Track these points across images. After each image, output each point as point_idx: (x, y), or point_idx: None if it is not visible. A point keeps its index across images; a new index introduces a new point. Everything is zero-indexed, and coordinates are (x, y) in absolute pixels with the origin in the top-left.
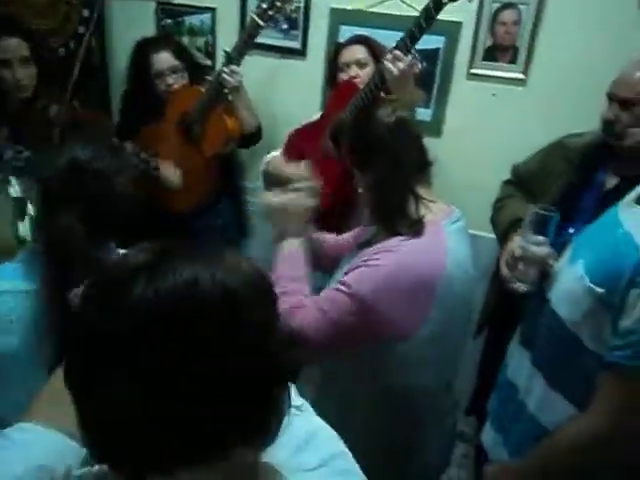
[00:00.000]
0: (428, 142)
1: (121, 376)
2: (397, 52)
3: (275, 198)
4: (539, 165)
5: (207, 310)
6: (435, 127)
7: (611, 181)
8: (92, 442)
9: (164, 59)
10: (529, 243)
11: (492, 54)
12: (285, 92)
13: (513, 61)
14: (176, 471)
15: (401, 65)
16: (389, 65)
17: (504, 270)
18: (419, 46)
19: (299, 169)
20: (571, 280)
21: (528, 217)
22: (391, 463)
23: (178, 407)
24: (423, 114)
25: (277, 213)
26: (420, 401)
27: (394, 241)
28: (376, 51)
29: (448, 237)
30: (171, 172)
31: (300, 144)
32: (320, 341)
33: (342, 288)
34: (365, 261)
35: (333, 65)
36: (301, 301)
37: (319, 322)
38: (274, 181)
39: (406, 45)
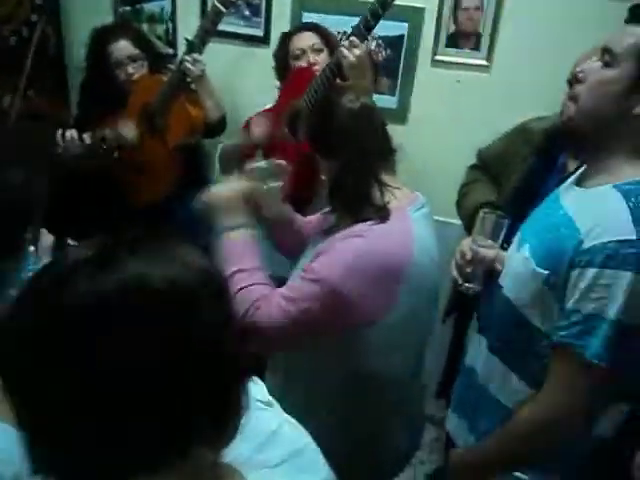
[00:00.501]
0: (394, 129)
1: (61, 378)
2: (354, 38)
3: (216, 191)
4: (503, 149)
5: (154, 308)
6: (401, 114)
7: (572, 164)
8: (35, 454)
9: (123, 48)
10: (479, 246)
11: (456, 40)
12: (249, 80)
13: (476, 47)
14: (135, 476)
15: (357, 51)
16: (345, 52)
17: (454, 272)
18: (382, 33)
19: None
20: (518, 264)
21: (479, 221)
22: (359, 449)
23: (125, 411)
24: (388, 101)
25: (222, 205)
26: (387, 387)
27: (360, 227)
28: (327, 38)
29: (414, 223)
30: (122, 128)
31: None
32: (289, 331)
33: (308, 275)
34: (330, 247)
35: (283, 54)
36: (265, 292)
37: (287, 312)
38: (229, 167)
39: (361, 32)
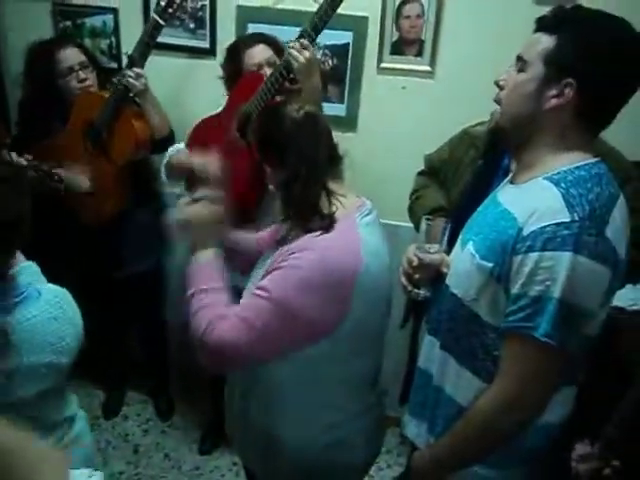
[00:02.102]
0: (344, 137)
1: None
2: (304, 41)
3: (179, 213)
4: (449, 154)
5: None
6: (350, 122)
7: (515, 166)
8: None
9: (73, 54)
10: (424, 252)
11: (400, 48)
12: (196, 92)
13: (420, 54)
14: None
15: (307, 54)
16: (295, 53)
17: (402, 279)
18: (328, 42)
19: (204, 161)
20: (464, 261)
21: (423, 227)
22: (318, 462)
23: None
24: (337, 109)
25: (184, 227)
26: (347, 397)
27: (307, 239)
28: (279, 49)
29: (361, 230)
30: (76, 175)
31: (204, 136)
32: (246, 350)
33: (261, 293)
34: (280, 263)
35: (235, 67)
36: (222, 312)
37: (242, 331)
38: (176, 174)
39: (310, 35)
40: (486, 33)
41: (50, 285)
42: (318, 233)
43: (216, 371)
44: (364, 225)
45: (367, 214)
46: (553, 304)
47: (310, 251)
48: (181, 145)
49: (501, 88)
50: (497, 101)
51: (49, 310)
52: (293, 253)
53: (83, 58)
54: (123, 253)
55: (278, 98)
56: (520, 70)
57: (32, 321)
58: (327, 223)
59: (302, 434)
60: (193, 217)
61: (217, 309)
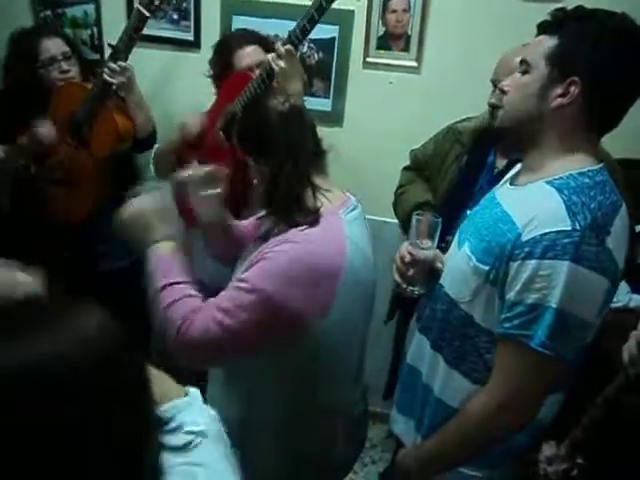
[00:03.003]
0: (330, 133)
1: None
2: (280, 48)
3: (133, 206)
4: (434, 150)
5: (53, 396)
6: (336, 117)
7: (501, 162)
8: None
9: (56, 44)
10: (416, 248)
11: (386, 42)
12: (180, 86)
13: (406, 49)
14: None
15: (282, 63)
16: (272, 63)
17: (395, 276)
18: (315, 36)
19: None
20: (460, 262)
21: (413, 224)
22: (299, 458)
23: None
24: (323, 104)
25: (141, 220)
26: (328, 393)
27: (292, 232)
28: (269, 48)
29: (346, 225)
30: (44, 127)
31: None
32: (226, 343)
33: (243, 285)
34: (264, 255)
35: (224, 66)
36: (197, 305)
37: (223, 324)
38: (163, 169)
39: (297, 37)
40: (473, 28)
41: None
42: (303, 227)
43: (196, 367)
44: (349, 221)
45: (352, 209)
46: (550, 313)
47: (293, 244)
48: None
49: (505, 93)
50: (497, 106)
51: None
52: (276, 245)
53: (66, 49)
54: (103, 248)
55: None
56: (524, 72)
57: None
58: (312, 218)
59: (285, 431)
60: (135, 209)
61: (191, 303)
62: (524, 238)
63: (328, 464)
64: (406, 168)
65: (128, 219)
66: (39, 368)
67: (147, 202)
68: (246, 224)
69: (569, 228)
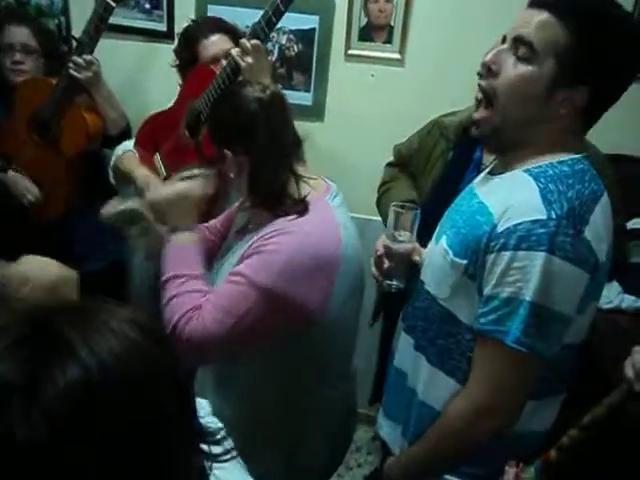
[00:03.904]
0: (310, 127)
1: None
2: (246, 43)
3: (165, 190)
4: (419, 145)
5: (106, 406)
6: (317, 111)
7: (488, 158)
8: None
9: (18, 33)
10: (393, 241)
11: (368, 34)
12: (153, 78)
13: (389, 41)
14: None
15: (249, 59)
16: (237, 58)
17: (373, 270)
18: (293, 26)
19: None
20: (437, 257)
21: (391, 216)
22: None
23: None
24: (303, 98)
25: (166, 206)
26: (319, 382)
27: (282, 222)
28: (237, 36)
29: (334, 211)
30: (27, 185)
31: (154, 133)
32: (224, 341)
33: (239, 279)
34: (258, 248)
35: (189, 56)
36: (198, 303)
37: (221, 322)
38: (123, 177)
39: (263, 30)
40: (458, 19)
41: None
42: (292, 217)
43: (190, 365)
44: (336, 206)
45: (335, 196)
46: (524, 307)
47: (290, 235)
48: (129, 144)
49: (492, 73)
50: (486, 89)
51: None
52: (271, 237)
53: (29, 42)
54: (74, 251)
55: None
56: (524, 59)
57: None
58: (301, 207)
59: (280, 417)
60: (178, 193)
61: (194, 299)
62: (499, 229)
63: (316, 464)
64: (390, 164)
65: (171, 198)
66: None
67: (195, 188)
68: (213, 223)
69: (544, 217)
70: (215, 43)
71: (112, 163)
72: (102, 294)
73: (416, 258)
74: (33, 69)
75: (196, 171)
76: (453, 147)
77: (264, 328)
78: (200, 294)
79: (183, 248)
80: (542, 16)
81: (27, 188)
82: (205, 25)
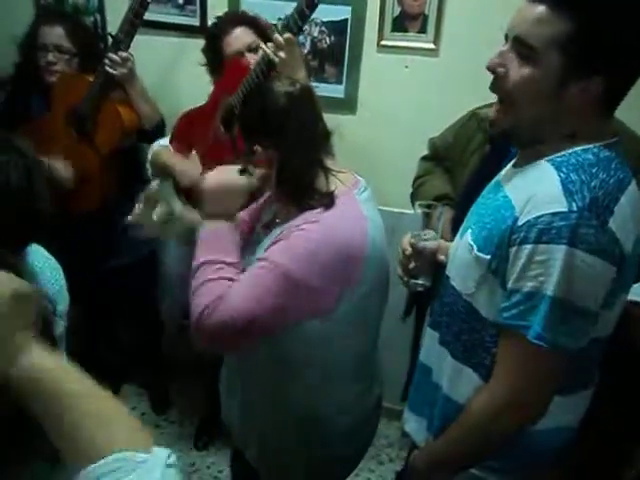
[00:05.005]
0: (342, 120)
1: None
2: (278, 38)
3: (219, 176)
4: (455, 138)
5: None
6: (349, 104)
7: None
8: None
9: (52, 33)
10: (418, 239)
11: (401, 24)
12: (186, 74)
13: (423, 30)
14: None
15: (282, 54)
16: (271, 55)
17: (398, 270)
18: (325, 18)
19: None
20: (462, 252)
21: (418, 214)
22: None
23: None
24: (335, 90)
25: (215, 193)
26: (345, 374)
27: (309, 215)
28: (262, 31)
29: (362, 205)
30: (60, 167)
31: (189, 130)
32: (246, 325)
33: (265, 264)
34: (286, 236)
35: (215, 54)
36: (225, 291)
37: (243, 306)
38: (160, 171)
39: (296, 23)
40: (494, 7)
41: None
42: (319, 210)
43: (215, 352)
44: (364, 200)
45: (363, 190)
46: (546, 302)
47: (317, 225)
48: (165, 141)
49: (497, 76)
50: (498, 93)
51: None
52: (299, 226)
53: (63, 43)
54: (110, 243)
55: None
56: (525, 59)
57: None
58: (328, 200)
59: (304, 415)
60: (232, 184)
61: (219, 287)
62: (520, 222)
63: (336, 459)
64: (424, 158)
65: (223, 185)
66: None
67: (247, 182)
68: (242, 215)
69: (565, 209)
70: (238, 37)
71: (149, 158)
72: (134, 286)
73: (441, 257)
74: (66, 69)
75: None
76: (490, 141)
77: (282, 311)
78: (228, 282)
79: (219, 235)
80: (538, 10)
81: (63, 170)
82: (226, 21)
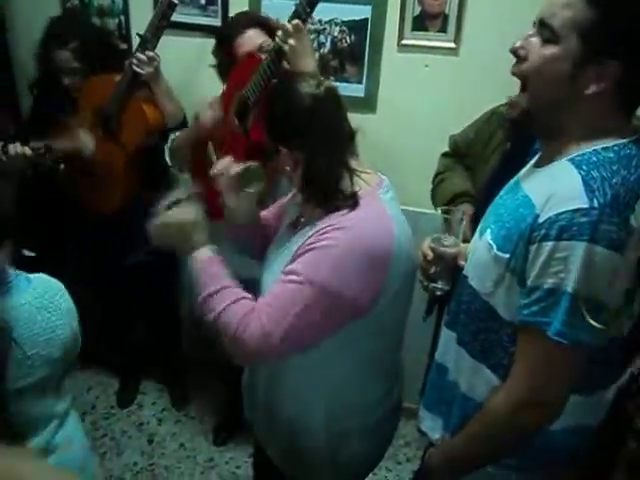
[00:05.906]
0: (363, 119)
1: None
2: (286, 26)
3: (160, 219)
4: (476, 135)
5: None
6: (369, 103)
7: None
8: None
9: (60, 58)
10: (438, 244)
11: (422, 23)
12: (208, 73)
13: (443, 29)
14: None
15: (291, 41)
16: (280, 43)
17: (418, 274)
18: (346, 17)
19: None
20: (481, 251)
21: (441, 220)
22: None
23: None
24: (355, 90)
25: (168, 232)
26: (367, 378)
27: (335, 218)
28: (274, 30)
29: (387, 205)
30: (85, 137)
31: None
32: (282, 341)
33: (294, 278)
34: (311, 244)
35: (226, 57)
36: (249, 307)
37: (277, 322)
38: (180, 157)
39: (305, 11)
40: (515, 6)
41: (43, 275)
42: (345, 212)
43: (252, 365)
44: (388, 200)
45: (387, 190)
46: (567, 299)
47: (343, 230)
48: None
49: (521, 59)
50: (517, 75)
51: (38, 300)
52: (325, 233)
53: (71, 65)
54: (134, 239)
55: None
56: (548, 41)
57: (19, 310)
58: (352, 201)
59: (330, 415)
60: (171, 222)
61: (242, 306)
62: (541, 219)
63: (357, 459)
64: (445, 154)
65: (165, 228)
66: None
67: (186, 214)
68: (266, 215)
69: (586, 206)
70: (251, 38)
71: (170, 146)
72: (155, 283)
73: (461, 262)
74: (85, 80)
75: (250, 166)
76: (510, 139)
77: (319, 326)
78: (246, 299)
79: (211, 262)
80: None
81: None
82: (238, 22)
